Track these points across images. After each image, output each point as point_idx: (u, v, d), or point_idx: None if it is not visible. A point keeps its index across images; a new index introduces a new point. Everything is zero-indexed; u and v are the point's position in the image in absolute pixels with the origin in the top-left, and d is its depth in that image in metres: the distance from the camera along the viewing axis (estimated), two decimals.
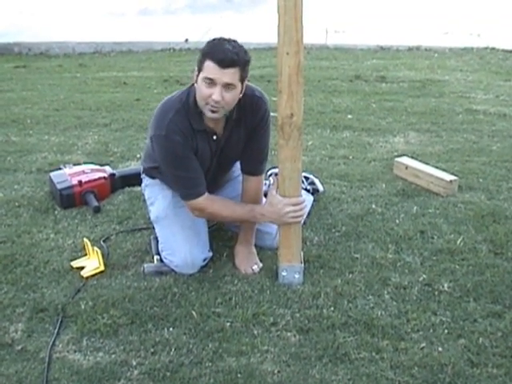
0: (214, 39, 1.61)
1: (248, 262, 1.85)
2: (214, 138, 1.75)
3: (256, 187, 1.85)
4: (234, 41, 1.60)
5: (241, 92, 1.64)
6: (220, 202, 1.80)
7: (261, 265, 1.86)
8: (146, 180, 2.03)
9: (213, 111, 1.61)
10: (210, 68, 1.55)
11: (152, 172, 1.96)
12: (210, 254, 1.88)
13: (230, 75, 1.55)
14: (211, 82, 1.56)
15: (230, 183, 2.01)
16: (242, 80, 1.61)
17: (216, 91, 1.56)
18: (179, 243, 1.81)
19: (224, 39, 1.60)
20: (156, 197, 1.95)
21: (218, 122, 1.72)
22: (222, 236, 2.07)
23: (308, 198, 2.24)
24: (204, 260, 1.85)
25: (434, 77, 4.80)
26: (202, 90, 1.60)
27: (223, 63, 1.54)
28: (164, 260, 1.84)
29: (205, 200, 1.74)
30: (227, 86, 1.57)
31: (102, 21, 7.58)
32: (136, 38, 6.70)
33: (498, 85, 4.54)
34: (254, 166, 1.84)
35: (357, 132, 3.33)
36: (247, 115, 1.74)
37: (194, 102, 1.67)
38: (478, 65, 5.44)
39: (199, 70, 1.61)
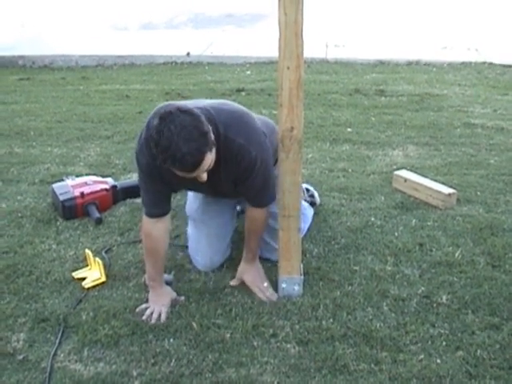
0: (159, 130, 1.32)
1: (261, 278, 1.83)
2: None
3: (260, 218, 1.76)
4: (184, 118, 1.32)
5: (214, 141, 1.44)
6: (154, 242, 1.68)
7: (267, 280, 1.83)
8: None
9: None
10: (179, 172, 1.40)
11: None
12: (229, 251, 2.00)
13: (202, 167, 1.39)
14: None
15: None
16: (212, 144, 1.41)
17: (198, 177, 1.44)
18: (202, 248, 1.93)
19: (171, 124, 1.31)
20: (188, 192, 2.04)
21: None
22: None
23: (309, 212, 2.27)
24: (223, 261, 1.97)
25: (432, 91, 4.86)
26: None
27: (189, 170, 1.37)
28: (189, 253, 1.98)
29: (149, 224, 1.67)
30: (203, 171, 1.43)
31: (105, 34, 7.70)
32: (138, 51, 6.79)
33: (496, 99, 4.59)
34: (255, 201, 1.74)
35: (356, 145, 3.37)
36: (227, 161, 1.57)
37: None
38: (475, 79, 5.50)
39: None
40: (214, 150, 1.43)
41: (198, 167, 1.38)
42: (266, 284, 1.81)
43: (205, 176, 1.46)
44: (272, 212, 1.79)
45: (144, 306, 1.71)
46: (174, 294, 1.76)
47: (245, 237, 1.86)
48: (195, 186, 1.70)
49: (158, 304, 1.69)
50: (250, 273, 1.84)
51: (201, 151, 1.35)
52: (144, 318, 1.66)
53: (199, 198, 1.95)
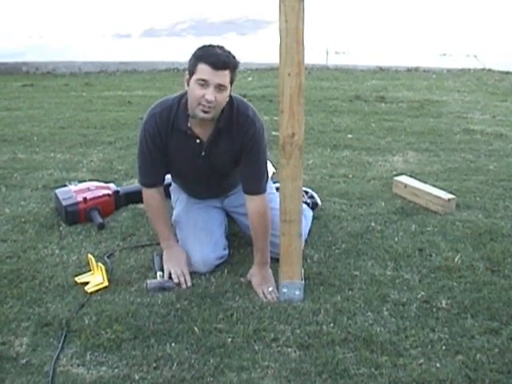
0: (204, 45, 1.70)
1: (267, 283, 1.85)
2: (198, 141, 1.83)
3: (259, 208, 1.84)
4: (223, 46, 1.71)
5: (229, 95, 1.74)
6: (155, 208, 1.93)
7: (274, 285, 1.84)
8: (172, 183, 2.18)
9: (205, 111, 1.70)
10: (204, 70, 1.65)
11: (172, 177, 2.12)
12: (225, 252, 1.99)
13: (223, 77, 1.66)
14: (204, 84, 1.66)
15: (238, 190, 2.04)
16: (231, 82, 1.72)
17: (209, 91, 1.65)
18: (191, 243, 1.96)
19: (214, 45, 1.70)
20: (175, 201, 2.14)
21: (204, 127, 1.80)
22: None
23: (308, 214, 2.29)
24: (218, 259, 1.95)
25: (432, 97, 4.89)
26: (195, 91, 1.68)
27: (217, 65, 1.64)
28: None
29: (147, 192, 1.92)
30: (219, 87, 1.67)
31: (108, 41, 7.77)
32: (141, 58, 6.85)
33: (495, 105, 4.62)
34: (253, 185, 1.86)
35: (357, 151, 3.39)
36: (234, 130, 1.81)
37: (184, 103, 1.77)
38: (475, 86, 5.53)
39: (191, 74, 1.69)
40: (231, 85, 1.72)
41: (222, 68, 1.64)
42: (271, 288, 1.83)
43: (212, 97, 1.66)
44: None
45: (162, 273, 1.87)
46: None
47: (252, 238, 1.88)
48: (194, 158, 1.85)
49: (179, 266, 1.86)
50: (257, 276, 1.87)
51: (229, 58, 1.68)
52: (176, 281, 1.83)
53: (183, 202, 2.08)
